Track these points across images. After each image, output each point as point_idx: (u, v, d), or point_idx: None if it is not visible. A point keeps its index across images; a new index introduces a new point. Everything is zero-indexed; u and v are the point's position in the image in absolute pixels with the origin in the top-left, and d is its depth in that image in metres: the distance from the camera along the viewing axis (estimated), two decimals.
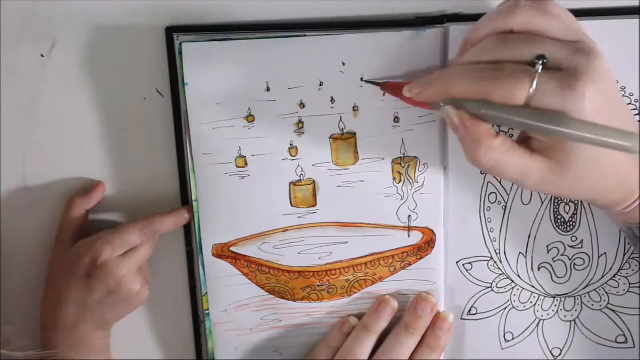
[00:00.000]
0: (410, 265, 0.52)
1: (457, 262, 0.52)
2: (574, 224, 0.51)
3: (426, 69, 0.47)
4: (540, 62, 0.38)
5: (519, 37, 0.40)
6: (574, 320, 0.53)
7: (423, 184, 0.50)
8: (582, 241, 0.51)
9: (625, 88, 0.48)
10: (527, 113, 0.38)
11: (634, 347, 0.53)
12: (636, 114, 0.48)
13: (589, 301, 0.52)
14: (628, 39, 0.47)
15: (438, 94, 0.42)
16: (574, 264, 0.52)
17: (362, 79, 0.48)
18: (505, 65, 0.39)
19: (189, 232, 0.52)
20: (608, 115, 0.39)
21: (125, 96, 0.51)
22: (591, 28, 0.46)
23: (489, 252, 0.52)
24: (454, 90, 0.41)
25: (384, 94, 0.48)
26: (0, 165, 0.52)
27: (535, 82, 0.38)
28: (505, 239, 0.51)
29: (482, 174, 0.50)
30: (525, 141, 0.42)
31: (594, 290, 0.52)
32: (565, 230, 0.51)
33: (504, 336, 0.53)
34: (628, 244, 0.51)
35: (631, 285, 0.52)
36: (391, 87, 0.47)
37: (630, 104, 0.48)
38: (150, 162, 0.52)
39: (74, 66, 0.50)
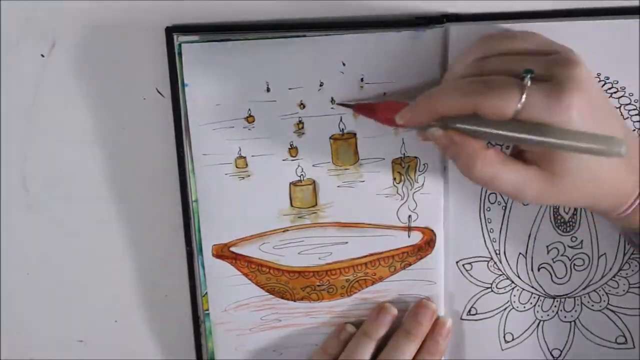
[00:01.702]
0: (410, 265, 0.52)
1: (457, 262, 0.52)
2: (573, 224, 0.51)
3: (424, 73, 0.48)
4: (529, 75, 0.39)
5: (502, 57, 0.41)
6: (574, 321, 0.53)
7: (423, 184, 0.50)
8: (581, 241, 0.51)
9: (625, 88, 0.48)
10: (514, 126, 0.39)
11: (634, 347, 0.53)
12: (636, 114, 0.48)
13: (588, 302, 0.52)
14: (628, 39, 0.47)
15: (428, 116, 0.42)
16: (574, 264, 0.52)
17: (333, 102, 0.48)
18: (494, 78, 0.40)
19: (189, 232, 0.52)
20: (595, 123, 0.39)
21: (125, 96, 0.51)
22: (591, 28, 0.46)
23: (489, 252, 0.52)
24: (442, 107, 0.41)
25: (384, 94, 0.48)
26: (0, 165, 0.52)
27: (524, 95, 0.38)
28: (505, 239, 0.51)
29: None
30: (518, 155, 0.43)
31: (594, 290, 0.52)
32: (565, 230, 0.51)
33: (504, 337, 0.53)
34: (628, 244, 0.51)
35: (631, 286, 0.52)
36: (362, 108, 0.47)
37: (630, 104, 0.48)
38: (150, 162, 0.52)
39: (74, 66, 0.50)
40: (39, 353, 0.57)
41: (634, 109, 0.48)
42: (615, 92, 0.48)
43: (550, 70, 0.39)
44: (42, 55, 0.50)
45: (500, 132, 0.40)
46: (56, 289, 0.55)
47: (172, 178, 0.52)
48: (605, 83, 0.48)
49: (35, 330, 0.57)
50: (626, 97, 0.48)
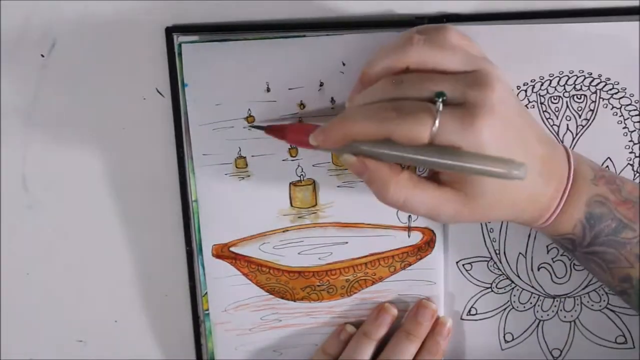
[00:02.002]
0: (410, 265, 0.52)
1: (457, 262, 0.52)
2: None
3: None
4: (440, 99, 0.38)
5: (415, 76, 0.40)
6: (574, 320, 0.53)
7: None
8: None
9: (625, 89, 0.48)
10: (426, 150, 0.39)
11: (634, 347, 0.53)
12: (636, 114, 0.48)
13: (588, 301, 0.52)
14: (629, 40, 0.47)
15: (341, 140, 0.41)
16: (574, 264, 0.52)
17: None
18: (406, 104, 0.39)
19: (189, 232, 0.52)
20: (509, 144, 0.39)
21: (125, 96, 0.51)
22: (592, 29, 0.46)
23: (489, 252, 0.52)
24: (355, 133, 0.40)
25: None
26: (0, 165, 0.52)
27: (437, 121, 0.38)
28: (505, 239, 0.51)
29: None
30: (433, 176, 0.42)
31: (594, 290, 0.52)
32: None
33: (504, 337, 0.53)
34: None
35: None
36: (273, 130, 0.47)
37: (630, 104, 0.48)
38: (150, 162, 0.52)
39: (74, 66, 0.50)
40: (39, 353, 0.57)
41: (635, 110, 0.48)
42: (616, 93, 0.48)
43: (464, 93, 0.39)
44: (42, 55, 0.50)
45: (413, 156, 0.39)
46: (56, 289, 0.55)
47: (172, 178, 0.52)
48: (605, 84, 0.48)
49: (35, 330, 0.57)
50: (627, 97, 0.48)
